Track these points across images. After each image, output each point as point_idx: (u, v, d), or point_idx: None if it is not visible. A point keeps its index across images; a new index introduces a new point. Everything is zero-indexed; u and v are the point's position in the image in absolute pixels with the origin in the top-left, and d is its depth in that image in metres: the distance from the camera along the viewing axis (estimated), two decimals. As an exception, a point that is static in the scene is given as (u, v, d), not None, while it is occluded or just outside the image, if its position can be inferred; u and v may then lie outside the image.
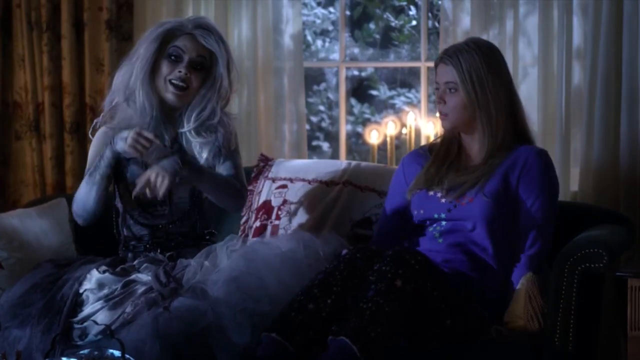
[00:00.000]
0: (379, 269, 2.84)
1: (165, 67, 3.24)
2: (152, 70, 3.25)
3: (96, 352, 2.70)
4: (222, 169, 3.31)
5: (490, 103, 3.06)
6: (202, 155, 3.29)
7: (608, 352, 3.67)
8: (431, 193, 3.14)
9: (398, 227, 3.25)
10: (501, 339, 2.93)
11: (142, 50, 3.24)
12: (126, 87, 3.27)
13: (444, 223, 3.12)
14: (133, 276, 3.13)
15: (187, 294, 3.00)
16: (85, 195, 3.25)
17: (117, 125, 3.31)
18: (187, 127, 3.28)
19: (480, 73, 3.05)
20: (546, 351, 2.91)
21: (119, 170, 3.32)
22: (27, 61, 4.22)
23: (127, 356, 2.67)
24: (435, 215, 3.13)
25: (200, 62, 3.25)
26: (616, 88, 3.72)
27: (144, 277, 3.12)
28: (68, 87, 4.20)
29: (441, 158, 3.18)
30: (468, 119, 3.09)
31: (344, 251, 3.00)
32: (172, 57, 3.24)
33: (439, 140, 3.25)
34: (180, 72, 3.23)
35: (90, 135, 3.39)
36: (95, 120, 3.39)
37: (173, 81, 3.23)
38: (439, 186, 3.13)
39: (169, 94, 3.25)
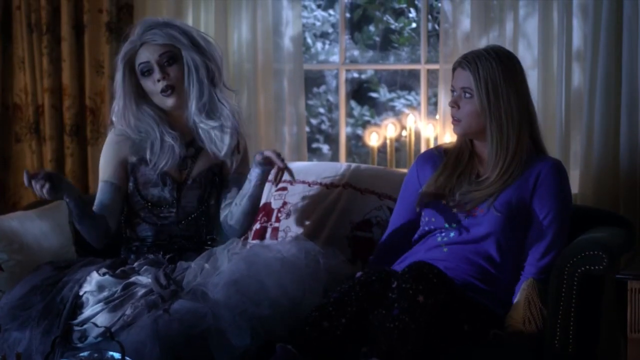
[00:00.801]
0: (399, 286, 2.84)
1: (148, 85, 3.29)
2: (142, 94, 3.31)
3: (96, 355, 2.70)
4: (224, 195, 3.37)
5: (502, 113, 3.03)
6: (225, 143, 3.33)
7: (608, 355, 3.67)
8: (443, 202, 3.13)
9: (409, 229, 3.24)
10: (499, 342, 2.93)
11: (116, 84, 3.31)
12: (129, 121, 3.32)
13: (452, 234, 3.11)
14: (133, 278, 3.13)
15: (187, 296, 3.00)
16: (87, 236, 3.31)
17: (129, 134, 3.32)
18: (194, 114, 3.31)
19: (496, 82, 3.03)
20: (546, 353, 2.91)
21: (129, 172, 3.35)
22: (27, 63, 4.22)
23: (127, 358, 2.67)
24: (446, 225, 3.12)
25: (166, 58, 3.28)
26: (616, 90, 3.72)
27: (144, 279, 3.12)
28: (68, 89, 4.21)
29: (451, 167, 3.16)
30: (480, 126, 3.07)
31: (359, 273, 3.02)
32: (145, 73, 3.28)
33: (454, 144, 3.22)
34: (159, 80, 3.27)
35: None
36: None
37: (162, 90, 3.27)
38: (450, 197, 3.12)
39: (166, 102, 3.29)
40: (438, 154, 3.24)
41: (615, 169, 3.72)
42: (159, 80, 3.26)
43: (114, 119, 3.37)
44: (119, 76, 3.30)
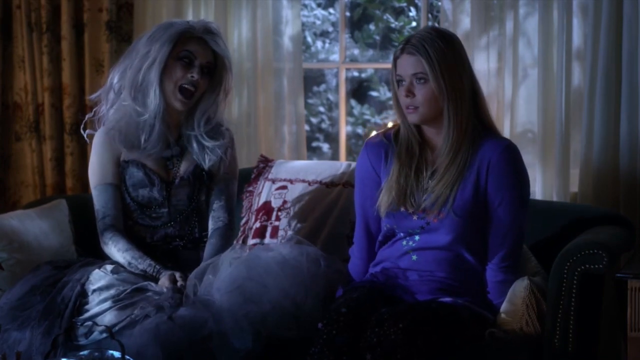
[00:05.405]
0: None
1: (177, 71, 3.25)
2: (163, 71, 3.27)
3: (96, 354, 2.70)
4: (216, 196, 3.37)
5: (457, 92, 2.97)
6: (210, 161, 3.34)
7: (608, 354, 3.67)
8: (402, 209, 3.06)
9: (375, 233, 3.19)
10: (496, 342, 2.92)
11: (155, 50, 3.24)
12: (136, 84, 3.27)
13: (417, 237, 3.07)
14: (144, 283, 3.14)
15: (191, 305, 3.00)
16: (117, 260, 3.27)
17: (118, 126, 3.32)
18: (199, 131, 3.32)
19: (447, 62, 2.97)
20: (546, 352, 2.91)
21: (119, 173, 3.34)
22: (27, 62, 4.22)
23: (127, 357, 2.67)
24: (410, 231, 3.07)
25: (209, 67, 3.29)
26: (616, 89, 3.72)
27: (156, 286, 3.13)
28: (68, 88, 4.21)
29: (407, 163, 3.08)
30: (438, 110, 3.00)
31: (320, 324, 2.87)
32: (185, 60, 3.25)
33: (396, 129, 3.13)
34: (192, 77, 3.25)
35: (83, 132, 3.42)
36: (87, 116, 3.42)
37: (184, 85, 3.25)
38: (412, 205, 3.04)
39: (177, 102, 3.27)
40: (387, 141, 3.14)
41: (615, 168, 3.72)
42: (192, 77, 3.25)
43: (115, 82, 3.30)
44: (165, 48, 3.22)
